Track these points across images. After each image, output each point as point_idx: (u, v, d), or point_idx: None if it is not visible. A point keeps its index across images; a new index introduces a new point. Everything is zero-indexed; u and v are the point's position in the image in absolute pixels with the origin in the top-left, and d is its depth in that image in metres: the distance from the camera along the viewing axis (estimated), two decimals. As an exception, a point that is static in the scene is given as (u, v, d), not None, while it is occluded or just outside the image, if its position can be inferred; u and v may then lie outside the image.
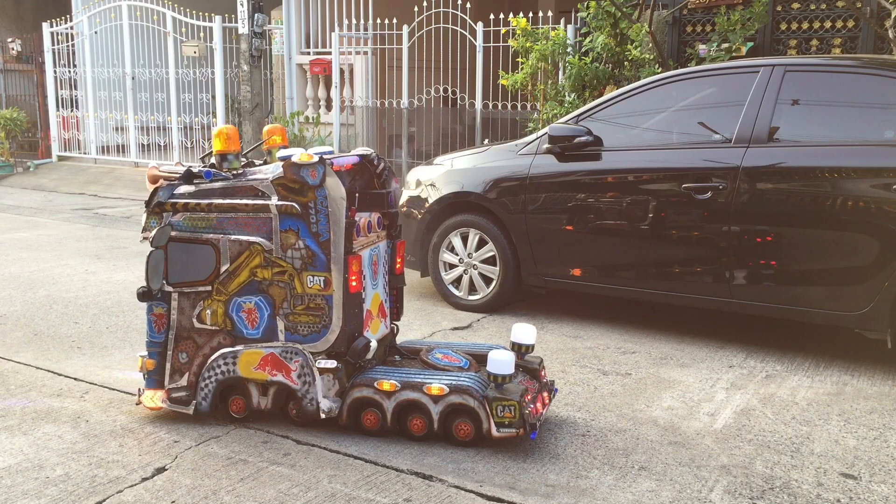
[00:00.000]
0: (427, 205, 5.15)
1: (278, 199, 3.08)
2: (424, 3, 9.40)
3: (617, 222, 4.48)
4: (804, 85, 4.21)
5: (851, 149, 3.97)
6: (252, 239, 3.11)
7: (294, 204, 3.06)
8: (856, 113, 4.09)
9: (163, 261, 3.19)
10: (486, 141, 8.96)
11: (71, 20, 12.53)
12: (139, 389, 3.34)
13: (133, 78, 11.78)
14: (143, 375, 3.31)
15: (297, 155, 3.06)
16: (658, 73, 5.94)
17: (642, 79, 5.28)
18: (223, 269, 3.15)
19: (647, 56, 7.41)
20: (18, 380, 3.76)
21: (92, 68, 12.25)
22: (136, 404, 3.35)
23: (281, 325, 3.12)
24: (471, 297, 5.07)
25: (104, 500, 2.64)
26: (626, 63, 7.63)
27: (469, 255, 5.05)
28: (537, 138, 4.81)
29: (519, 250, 4.84)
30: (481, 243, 4.99)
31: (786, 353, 4.26)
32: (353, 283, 3.09)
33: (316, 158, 3.03)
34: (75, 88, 12.60)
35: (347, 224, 3.04)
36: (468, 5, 9.04)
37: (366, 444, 3.07)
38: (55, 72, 12.76)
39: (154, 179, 3.25)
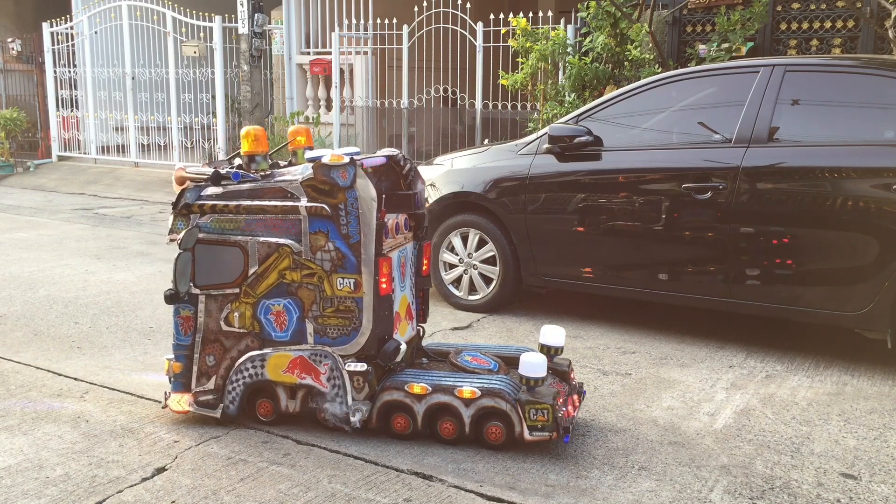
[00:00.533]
0: (427, 205, 5.14)
1: (308, 201, 3.05)
2: (424, 3, 9.40)
3: (617, 222, 4.47)
4: (804, 85, 4.21)
5: (851, 149, 3.97)
6: (281, 241, 3.07)
7: (324, 205, 3.02)
8: (856, 113, 4.09)
9: (190, 263, 3.15)
10: (486, 141, 8.96)
11: (71, 20, 12.53)
12: (165, 393, 3.31)
13: (133, 78, 11.78)
14: (170, 379, 3.27)
15: (328, 156, 3.02)
16: (658, 73, 5.94)
17: (642, 79, 5.28)
18: (251, 271, 3.11)
19: (647, 56, 7.41)
20: (18, 380, 3.76)
21: (92, 68, 12.25)
22: (163, 408, 3.32)
23: (310, 327, 3.09)
24: (471, 297, 5.07)
25: (104, 500, 2.64)
26: (626, 63, 7.63)
27: (469, 255, 5.05)
28: (537, 138, 4.81)
29: (519, 250, 4.84)
30: (481, 243, 4.99)
31: (786, 353, 4.26)
32: (384, 286, 3.05)
33: (346, 159, 3.00)
34: (75, 88, 12.60)
35: (377, 226, 3.02)
36: (468, 5, 9.04)
37: (366, 444, 3.07)
38: (55, 72, 12.76)
39: (181, 181, 3.21)
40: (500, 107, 9.13)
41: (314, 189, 3.04)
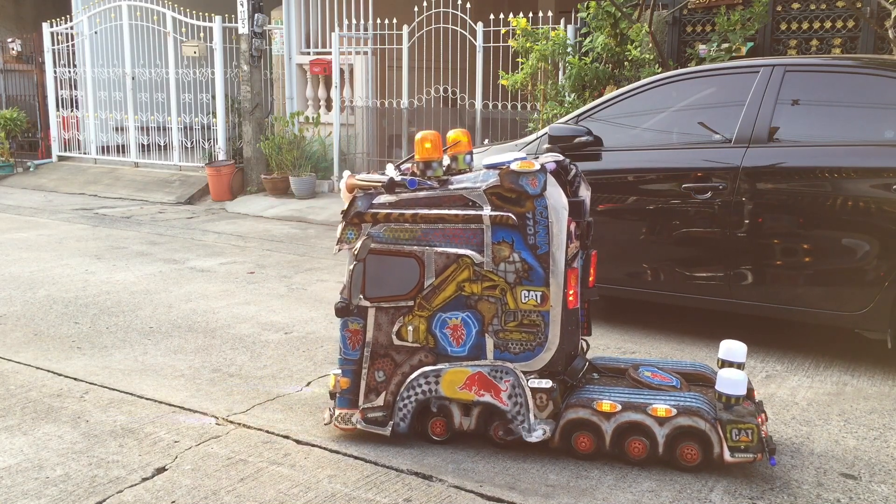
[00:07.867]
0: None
1: (492, 210, 2.89)
2: (424, 3, 9.40)
3: (616, 222, 4.48)
4: (804, 85, 4.21)
5: (851, 149, 3.97)
6: (460, 251, 2.92)
7: (510, 214, 2.87)
8: (856, 113, 4.09)
9: (363, 274, 3.03)
10: (486, 141, 8.96)
11: (71, 20, 12.53)
12: (329, 408, 3.21)
13: (133, 78, 11.78)
14: (332, 394, 3.17)
15: (516, 162, 2.87)
16: (658, 73, 5.94)
17: (642, 79, 5.28)
18: (427, 283, 2.96)
19: (647, 56, 7.41)
20: (18, 380, 3.76)
21: (92, 68, 12.25)
22: (325, 424, 3.20)
23: (490, 342, 2.94)
24: (471, 297, 5.06)
25: (104, 500, 2.64)
26: (626, 63, 7.64)
27: (469, 255, 5.03)
28: (537, 138, 4.81)
29: (519, 250, 4.83)
30: (481, 243, 4.98)
31: (786, 353, 4.26)
32: (571, 298, 2.93)
33: (537, 166, 2.83)
34: (75, 88, 12.59)
35: (566, 236, 2.86)
36: (468, 5, 9.04)
37: (366, 444, 3.07)
38: (55, 72, 12.76)
39: (351, 188, 3.09)
40: (500, 107, 9.13)
41: (499, 197, 2.88)
